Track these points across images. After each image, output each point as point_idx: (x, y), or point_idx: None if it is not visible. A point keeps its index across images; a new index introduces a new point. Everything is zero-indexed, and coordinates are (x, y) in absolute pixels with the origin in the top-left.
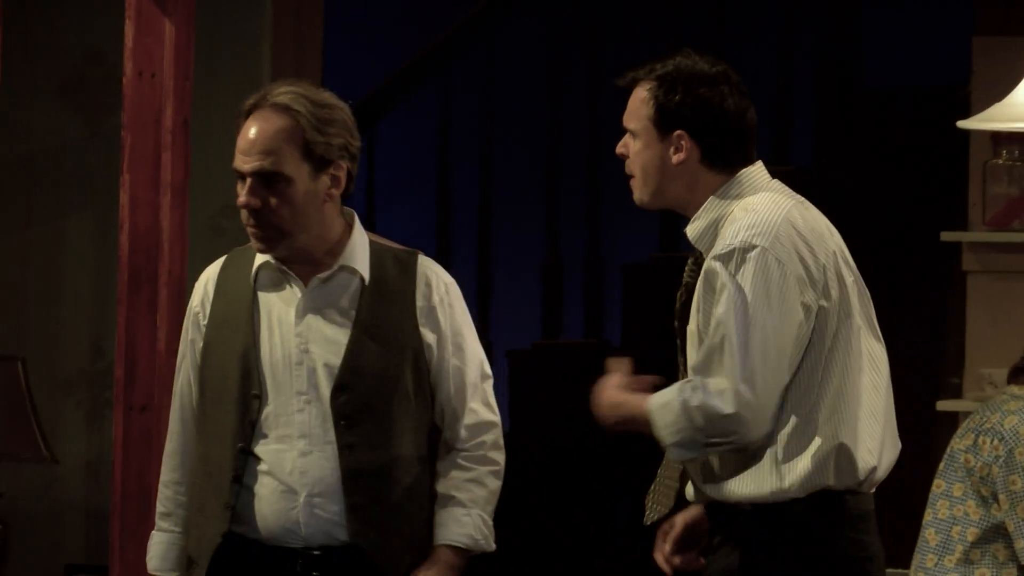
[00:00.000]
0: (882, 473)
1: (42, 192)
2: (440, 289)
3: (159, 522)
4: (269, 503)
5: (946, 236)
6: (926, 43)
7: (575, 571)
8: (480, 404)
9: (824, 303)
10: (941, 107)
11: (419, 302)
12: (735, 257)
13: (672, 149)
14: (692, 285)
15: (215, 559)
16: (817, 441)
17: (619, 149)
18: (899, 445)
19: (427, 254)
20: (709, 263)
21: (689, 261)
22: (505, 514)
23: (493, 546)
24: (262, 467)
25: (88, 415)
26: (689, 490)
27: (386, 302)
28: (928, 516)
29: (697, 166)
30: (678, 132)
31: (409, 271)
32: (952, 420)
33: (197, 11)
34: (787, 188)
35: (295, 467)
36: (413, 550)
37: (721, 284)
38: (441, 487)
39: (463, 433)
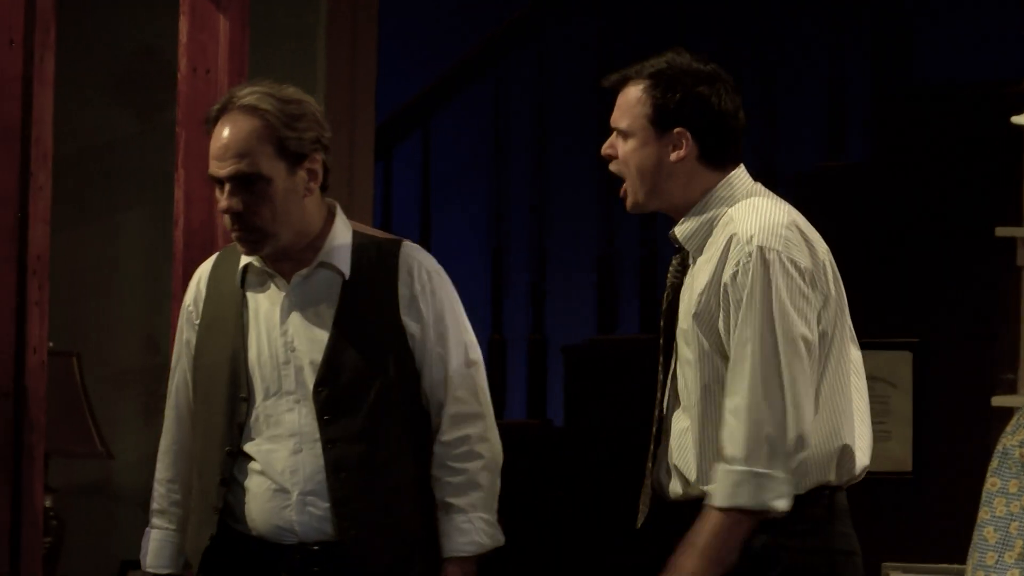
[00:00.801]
0: (864, 472)
1: (96, 188)
2: (422, 277)
3: (153, 519)
4: (262, 502)
5: (1000, 231)
6: (980, 38)
7: (631, 565)
8: (465, 392)
9: (824, 302)
10: (995, 102)
11: (401, 291)
12: (753, 260)
13: (671, 147)
14: (677, 286)
15: (209, 559)
16: (821, 438)
17: (605, 150)
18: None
19: (481, 250)
20: (725, 264)
21: (674, 261)
22: (557, 509)
23: (502, 540)
24: (254, 466)
25: (143, 410)
26: (675, 488)
27: (367, 295)
28: (985, 515)
29: (694, 164)
30: (678, 130)
31: (391, 261)
32: (1007, 416)
33: (252, 7)
34: (771, 192)
35: (286, 466)
36: (400, 543)
37: (748, 293)
38: (437, 494)
39: (446, 423)
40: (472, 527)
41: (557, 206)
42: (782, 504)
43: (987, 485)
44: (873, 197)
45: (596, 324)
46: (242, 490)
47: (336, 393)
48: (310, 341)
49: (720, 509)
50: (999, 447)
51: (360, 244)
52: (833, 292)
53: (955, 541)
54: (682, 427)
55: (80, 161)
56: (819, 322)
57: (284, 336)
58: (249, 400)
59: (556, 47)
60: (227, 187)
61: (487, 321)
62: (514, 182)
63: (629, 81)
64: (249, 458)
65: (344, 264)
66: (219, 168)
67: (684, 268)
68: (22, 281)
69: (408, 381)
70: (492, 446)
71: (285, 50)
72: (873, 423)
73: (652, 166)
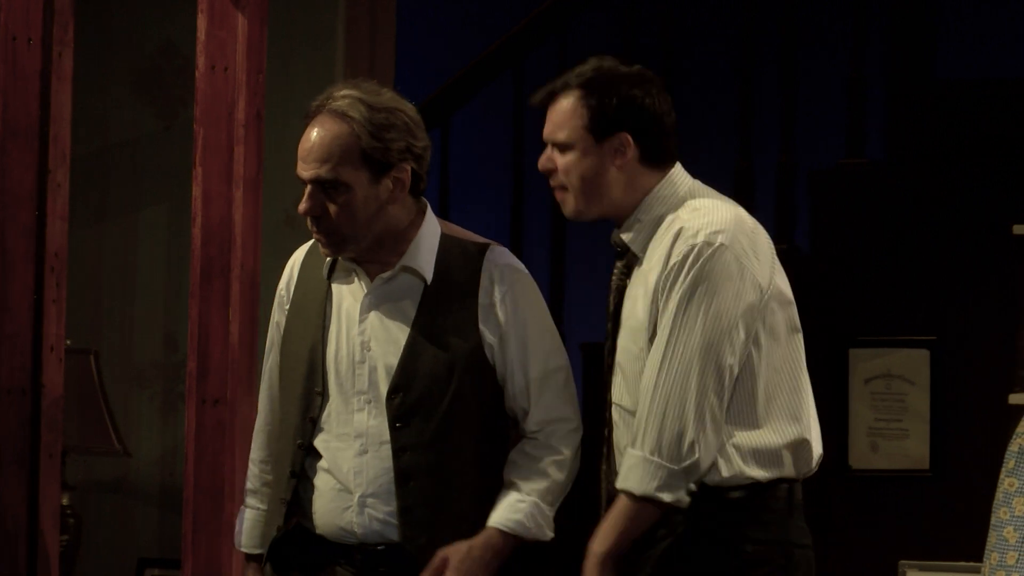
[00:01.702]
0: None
1: (116, 185)
2: (503, 285)
3: (247, 499)
4: (325, 500)
5: (1018, 229)
6: (998, 35)
7: None
8: (552, 397)
9: (771, 296)
10: (1014, 99)
11: (481, 299)
12: (698, 254)
13: (612, 153)
14: (622, 288)
15: (276, 550)
16: (780, 431)
17: (543, 165)
18: None
19: (502, 244)
20: (669, 261)
21: (618, 264)
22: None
23: (549, 535)
24: (322, 464)
25: (161, 408)
26: (612, 490)
27: (447, 302)
28: (1004, 515)
29: (636, 167)
30: (619, 134)
31: (474, 267)
32: None
33: (270, 4)
34: (712, 189)
35: (351, 466)
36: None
37: (688, 284)
38: (505, 474)
39: (532, 427)
40: (524, 507)
41: None
42: (668, 496)
43: (1004, 486)
44: (892, 195)
45: None
46: (310, 486)
47: (409, 400)
48: (386, 343)
49: (618, 491)
50: (1013, 447)
51: (445, 248)
52: (782, 287)
53: (972, 539)
54: (623, 428)
55: (100, 158)
56: (763, 319)
57: (361, 336)
58: (324, 395)
59: (576, 44)
60: (308, 189)
61: None
62: (534, 180)
63: (558, 94)
64: (318, 454)
65: (427, 269)
66: (303, 169)
67: (629, 271)
68: (40, 278)
69: (482, 391)
70: (571, 447)
71: (303, 48)
72: (890, 421)
73: (595, 174)
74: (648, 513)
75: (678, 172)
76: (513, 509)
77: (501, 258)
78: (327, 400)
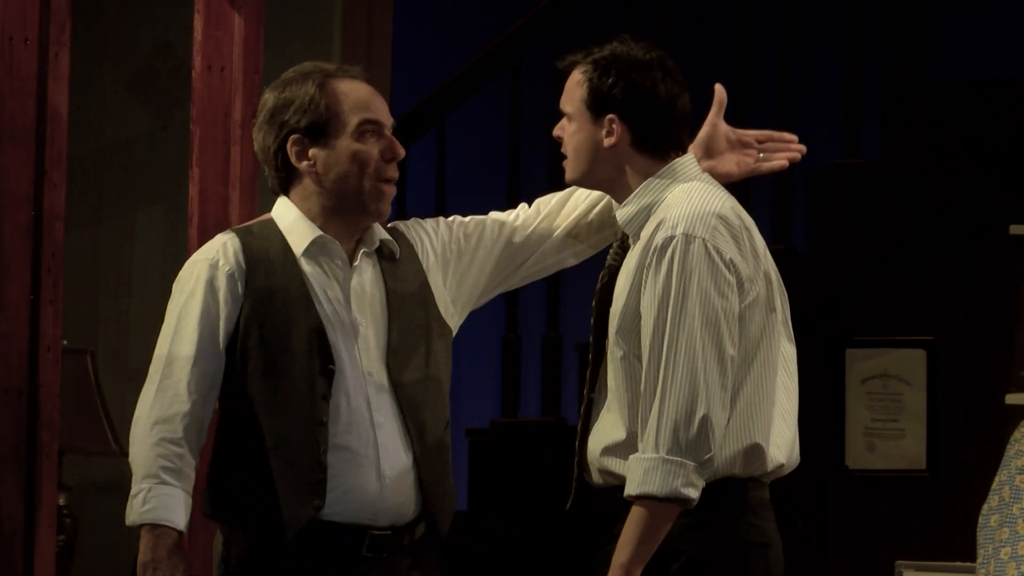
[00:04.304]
0: (788, 469)
1: (113, 185)
2: (420, 233)
3: (165, 476)
4: (345, 479)
5: (1015, 229)
6: (995, 35)
7: None
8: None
9: (752, 297)
10: (1010, 99)
11: (421, 258)
12: (675, 246)
13: (604, 132)
14: (615, 268)
15: (304, 535)
16: (731, 436)
17: (556, 132)
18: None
19: None
20: (649, 248)
21: (614, 244)
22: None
23: None
24: (342, 447)
25: None
26: (596, 476)
27: (402, 273)
28: (1015, 510)
29: (628, 150)
30: (609, 116)
31: (401, 237)
32: (1021, 413)
33: (267, 4)
34: (716, 181)
35: (364, 441)
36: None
37: (667, 278)
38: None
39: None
40: None
41: None
42: (693, 492)
43: (1017, 481)
44: (888, 195)
45: None
46: (337, 465)
47: (405, 370)
48: (374, 318)
49: (635, 497)
50: (1018, 446)
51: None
52: (763, 289)
53: (969, 539)
54: (604, 414)
55: (96, 159)
56: (744, 320)
57: (355, 312)
58: (332, 373)
59: (572, 44)
60: (390, 135)
61: (502, 319)
62: (530, 180)
63: (576, 65)
64: (335, 441)
65: (393, 245)
66: (384, 116)
67: (624, 251)
68: (36, 279)
69: (446, 355)
70: None
71: (300, 48)
72: (887, 421)
73: (587, 149)
74: (671, 514)
75: (683, 161)
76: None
77: (407, 222)
78: (337, 375)
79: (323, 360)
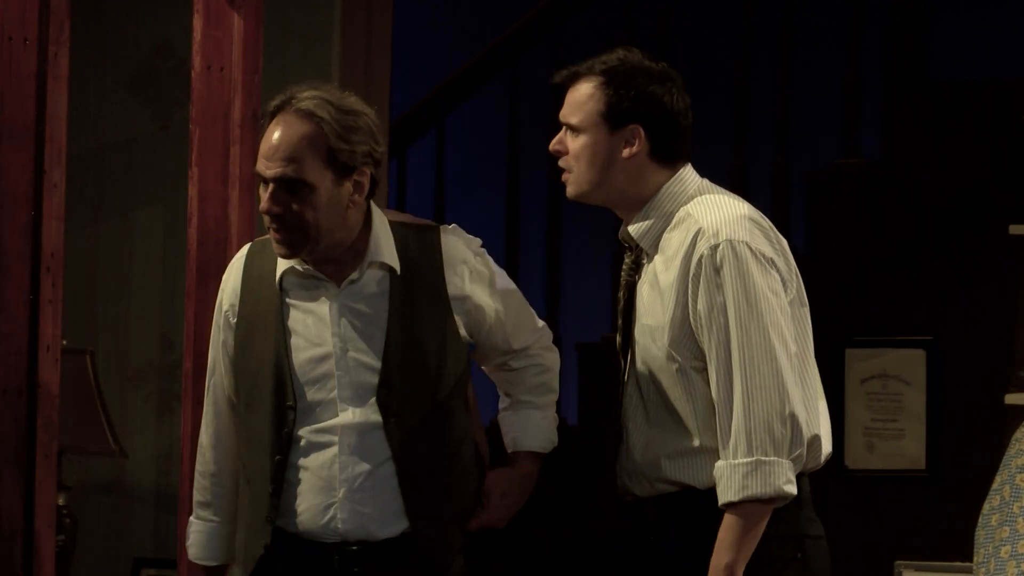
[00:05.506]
0: (826, 461)
1: (112, 185)
2: (466, 269)
3: (198, 511)
4: (307, 501)
5: (1015, 229)
6: (993, 35)
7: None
8: (523, 317)
9: (793, 293)
10: (1010, 99)
11: (451, 290)
12: (723, 252)
13: (623, 143)
14: (632, 284)
15: (261, 566)
16: None
17: (554, 146)
18: None
19: (496, 246)
20: (691, 259)
21: (627, 259)
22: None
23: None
24: (303, 468)
25: (157, 408)
26: (647, 487)
27: (417, 288)
28: (1016, 509)
29: (645, 161)
30: (632, 126)
31: (434, 250)
32: (1020, 413)
33: (266, 4)
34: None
35: (335, 466)
36: (459, 531)
37: (723, 285)
38: (511, 393)
39: (518, 346)
40: (548, 425)
41: (572, 204)
42: (793, 488)
43: (1018, 480)
44: (888, 195)
45: (610, 322)
46: (292, 494)
47: (400, 393)
48: (367, 341)
49: (736, 504)
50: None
51: (400, 236)
52: (796, 285)
53: (968, 539)
54: (648, 426)
55: (95, 159)
56: (791, 316)
57: (338, 339)
58: (295, 408)
59: (571, 44)
60: (270, 188)
61: None
62: (529, 180)
63: (580, 77)
64: (298, 464)
65: (394, 260)
66: (266, 168)
67: (638, 266)
68: (36, 279)
69: (461, 367)
70: (556, 355)
71: (299, 48)
72: (887, 421)
73: (603, 161)
74: (769, 513)
75: (688, 171)
76: (539, 428)
77: (455, 238)
78: (301, 412)
79: (284, 397)
